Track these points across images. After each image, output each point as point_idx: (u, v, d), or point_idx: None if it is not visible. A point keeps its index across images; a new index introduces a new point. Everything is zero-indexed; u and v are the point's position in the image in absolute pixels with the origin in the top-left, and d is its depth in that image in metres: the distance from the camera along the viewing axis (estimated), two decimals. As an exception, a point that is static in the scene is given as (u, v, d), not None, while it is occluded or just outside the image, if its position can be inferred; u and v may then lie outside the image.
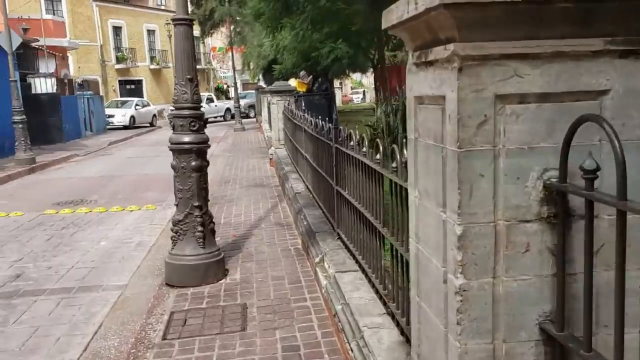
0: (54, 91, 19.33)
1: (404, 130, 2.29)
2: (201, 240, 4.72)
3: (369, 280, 3.57)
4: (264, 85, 28.64)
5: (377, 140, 3.30)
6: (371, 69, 23.48)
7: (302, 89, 14.23)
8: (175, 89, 4.73)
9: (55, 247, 6.71)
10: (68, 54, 30.23)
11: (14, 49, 13.41)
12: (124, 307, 4.55)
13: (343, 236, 4.55)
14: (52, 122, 18.75)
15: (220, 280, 4.82)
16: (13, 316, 4.53)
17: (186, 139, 4.68)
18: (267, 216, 7.24)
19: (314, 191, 6.34)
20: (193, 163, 4.73)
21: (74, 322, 4.37)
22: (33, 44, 20.27)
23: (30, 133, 17.58)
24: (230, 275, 4.99)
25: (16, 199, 10.23)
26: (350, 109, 28.95)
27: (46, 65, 20.67)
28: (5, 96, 15.30)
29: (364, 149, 3.56)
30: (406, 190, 2.37)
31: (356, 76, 47.75)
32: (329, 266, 4.21)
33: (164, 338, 3.81)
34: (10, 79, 13.70)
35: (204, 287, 4.70)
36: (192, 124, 4.67)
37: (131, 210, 8.77)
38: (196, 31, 34.65)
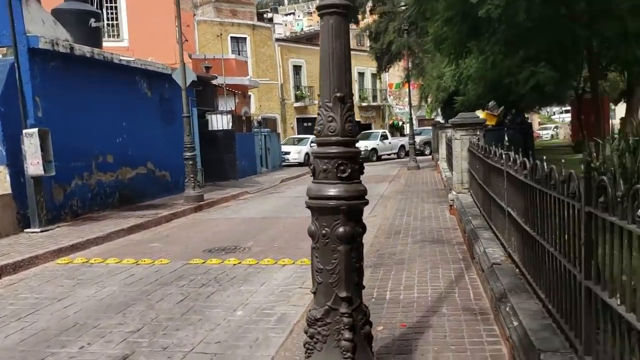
0: (229, 128, 19.43)
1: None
2: (349, 353, 2.95)
3: None
4: (442, 121, 26.58)
5: None
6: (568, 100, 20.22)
7: (491, 123, 12.01)
8: (318, 114, 3.10)
9: (184, 313, 5.46)
10: (249, 93, 31.35)
11: (187, 84, 13.25)
12: None
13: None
14: (227, 159, 18.80)
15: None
16: None
17: (331, 191, 3.02)
18: (450, 293, 5.25)
19: (526, 267, 4.24)
20: (340, 229, 3.05)
21: None
22: (214, 82, 20.79)
23: (206, 169, 17.83)
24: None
25: (170, 242, 9.52)
26: (541, 146, 25.65)
27: (225, 103, 21.09)
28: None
29: None
30: None
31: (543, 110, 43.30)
32: None
33: None
34: (183, 115, 13.57)
35: None
36: (341, 167, 2.99)
37: (283, 265, 7.38)
38: (372, 67, 34.02)
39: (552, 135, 39.62)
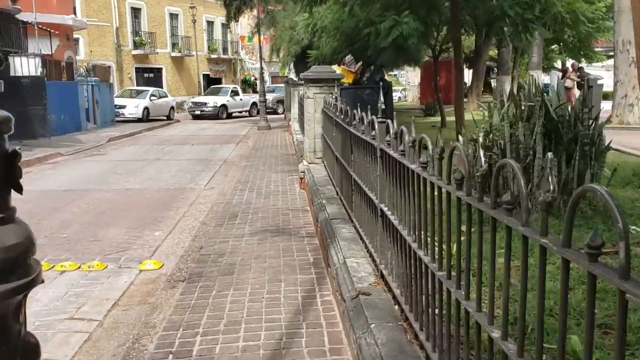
0: (38, 74, 15.83)
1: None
2: None
3: None
4: (294, 78, 24.91)
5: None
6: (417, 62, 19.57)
7: (347, 80, 10.42)
8: None
9: None
10: (77, 35, 26.96)
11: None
12: None
13: None
14: (34, 112, 15.31)
15: None
16: None
17: None
18: (295, 339, 3.41)
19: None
20: None
21: None
22: (21, 17, 16.85)
23: (7, 125, 14.29)
24: None
25: None
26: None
27: (38, 45, 17.27)
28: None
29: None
30: None
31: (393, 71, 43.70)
32: None
33: None
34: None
35: None
36: None
37: (62, 271, 5.11)
38: (222, 16, 31.14)
39: (399, 98, 40.06)
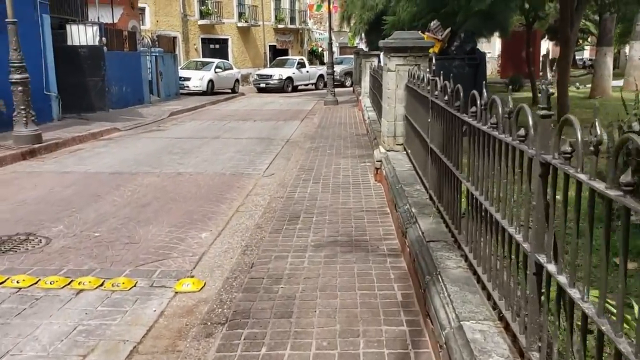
0: (96, 44, 15.07)
1: None
2: None
3: None
4: (365, 49, 23.27)
5: None
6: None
7: (433, 50, 8.87)
8: None
9: None
10: (143, 4, 26.40)
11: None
12: None
13: None
14: (92, 84, 14.61)
15: None
16: None
17: None
18: None
19: None
20: None
21: None
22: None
23: (65, 97, 13.69)
24: None
25: None
26: (469, 83, 23.18)
27: (98, 13, 16.56)
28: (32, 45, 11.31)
29: None
30: None
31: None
32: None
33: None
34: (7, 20, 9.44)
35: None
36: None
37: (80, 290, 4.05)
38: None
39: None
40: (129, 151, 10.40)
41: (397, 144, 6.69)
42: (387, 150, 6.70)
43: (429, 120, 4.37)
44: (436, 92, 4.10)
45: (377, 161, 6.77)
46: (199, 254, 4.78)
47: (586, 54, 48.03)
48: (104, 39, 16.05)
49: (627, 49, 23.90)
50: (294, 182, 7.07)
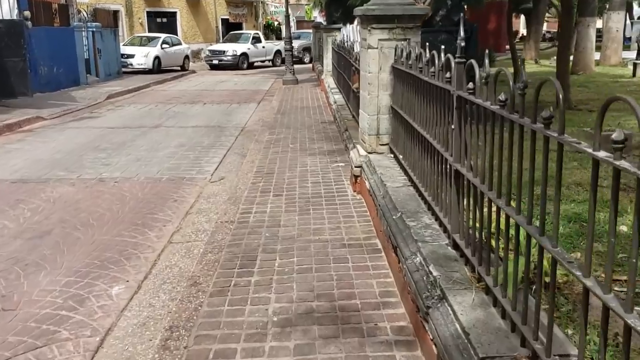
0: (15, 17, 12.83)
1: None
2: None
3: None
4: (323, 22, 21.50)
5: None
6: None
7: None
8: None
9: None
10: (78, -26, 23.73)
11: None
12: None
13: None
14: (10, 65, 12.42)
15: None
16: None
17: None
18: None
19: None
20: None
21: None
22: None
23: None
24: None
25: None
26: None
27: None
28: None
29: None
30: None
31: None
32: None
33: None
34: None
35: None
36: None
37: None
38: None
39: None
40: (46, 148, 8.52)
41: (381, 144, 5.13)
42: (369, 153, 5.13)
43: (453, 127, 2.82)
44: (470, 87, 2.58)
45: (355, 166, 5.20)
46: (101, 333, 3.13)
47: (546, 26, 47.26)
48: (27, 12, 13.83)
49: (601, 20, 22.83)
50: (249, 194, 5.44)
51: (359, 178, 5.17)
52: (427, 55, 3.70)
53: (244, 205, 5.07)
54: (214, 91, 16.79)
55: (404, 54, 4.44)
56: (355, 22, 7.25)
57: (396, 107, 4.77)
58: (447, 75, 3.07)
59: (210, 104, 13.67)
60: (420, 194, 3.70)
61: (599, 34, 19.89)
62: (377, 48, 4.95)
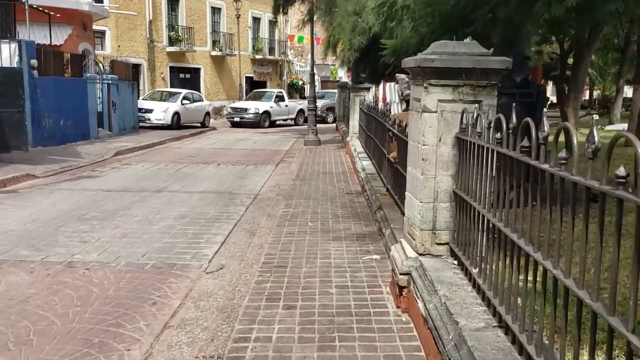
0: (14, 65, 11.93)
1: None
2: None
3: None
4: (349, 81, 20.49)
5: None
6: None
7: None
8: None
9: None
10: (102, 27, 23.43)
11: None
12: None
13: None
14: (4, 117, 11.37)
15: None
16: None
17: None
18: None
19: None
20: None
21: None
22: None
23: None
24: None
25: None
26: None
27: (28, 30, 13.48)
28: None
29: None
30: None
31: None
32: None
33: None
34: None
35: None
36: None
37: None
38: (268, 11, 27.14)
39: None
40: (21, 215, 7.22)
41: (439, 243, 3.66)
42: (420, 254, 3.66)
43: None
44: None
45: (401, 273, 3.71)
46: None
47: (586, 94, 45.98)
48: (33, 61, 12.97)
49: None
50: (251, 303, 3.96)
51: (405, 290, 3.68)
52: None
53: (240, 325, 3.58)
54: (231, 150, 15.63)
55: (482, 120, 3.05)
56: (396, 80, 5.93)
57: (461, 194, 3.34)
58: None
59: (225, 164, 12.44)
60: (517, 343, 2.19)
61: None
62: (436, 112, 3.57)
